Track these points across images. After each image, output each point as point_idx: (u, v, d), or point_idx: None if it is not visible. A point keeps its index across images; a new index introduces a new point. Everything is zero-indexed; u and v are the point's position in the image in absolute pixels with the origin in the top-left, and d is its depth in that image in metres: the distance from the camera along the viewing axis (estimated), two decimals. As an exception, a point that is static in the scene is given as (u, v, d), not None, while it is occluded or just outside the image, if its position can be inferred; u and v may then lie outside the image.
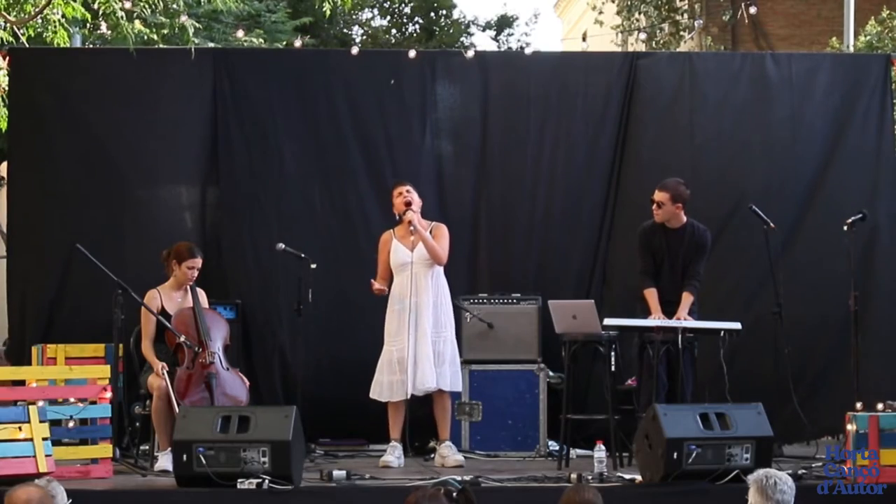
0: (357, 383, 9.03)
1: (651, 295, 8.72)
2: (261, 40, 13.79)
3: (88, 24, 10.95)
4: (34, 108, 9.65)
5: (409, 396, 8.55)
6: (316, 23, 20.51)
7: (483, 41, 27.12)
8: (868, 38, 12.91)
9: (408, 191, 8.74)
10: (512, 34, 27.13)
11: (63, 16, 10.18)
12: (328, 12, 10.60)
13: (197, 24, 11.55)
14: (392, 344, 8.62)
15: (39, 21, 10.19)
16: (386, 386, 8.59)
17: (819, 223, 9.68)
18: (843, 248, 9.05)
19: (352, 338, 9.49)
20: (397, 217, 8.80)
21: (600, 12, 19.22)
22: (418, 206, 8.73)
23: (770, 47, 17.17)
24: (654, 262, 8.80)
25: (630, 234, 9.14)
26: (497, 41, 26.86)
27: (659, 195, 8.76)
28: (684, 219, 8.83)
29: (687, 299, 8.70)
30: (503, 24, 26.95)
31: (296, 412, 7.43)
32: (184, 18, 10.71)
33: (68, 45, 10.66)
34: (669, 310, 8.66)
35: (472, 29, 26.54)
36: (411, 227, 8.63)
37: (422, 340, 8.55)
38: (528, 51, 11.29)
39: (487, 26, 26.77)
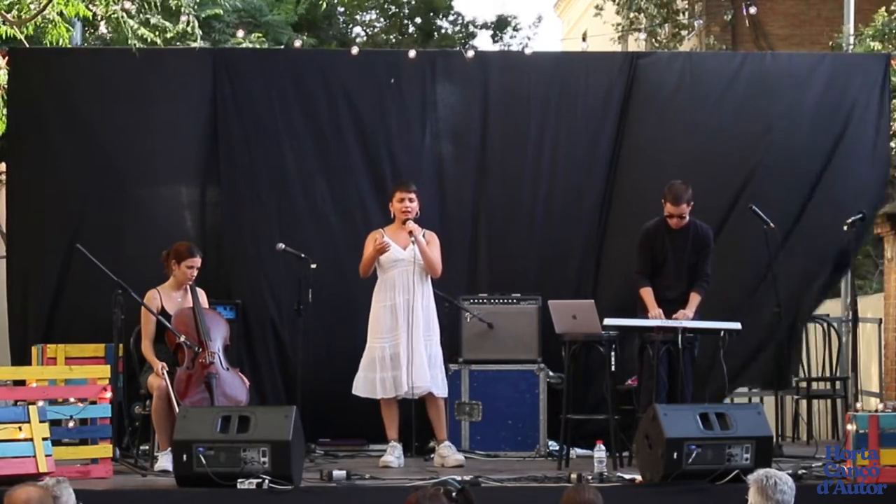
0: (358, 383, 9.03)
1: (647, 293, 8.74)
2: (258, 43, 13.76)
3: (87, 26, 10.97)
4: (34, 108, 9.65)
5: (402, 394, 8.54)
6: (316, 23, 20.46)
7: (483, 42, 27.07)
8: (878, 28, 12.77)
9: (410, 199, 8.70)
10: (514, 37, 27.06)
11: (61, 14, 10.18)
12: (324, 4, 10.59)
13: (199, 31, 11.56)
14: (383, 340, 8.59)
15: (39, 19, 10.20)
16: (378, 383, 8.57)
17: (817, 221, 9.68)
18: (844, 248, 9.06)
19: (353, 337, 9.45)
20: (392, 216, 8.79)
21: (601, 8, 19.23)
22: (415, 213, 8.72)
23: (770, 47, 17.18)
24: (651, 263, 8.81)
25: (630, 234, 9.13)
26: (496, 41, 26.80)
27: (681, 209, 8.68)
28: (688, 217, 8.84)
29: (695, 299, 8.74)
30: (501, 25, 26.88)
31: (296, 412, 7.43)
32: (184, 18, 10.71)
33: (67, 43, 10.66)
34: (672, 308, 8.67)
35: (470, 29, 26.47)
36: (412, 239, 8.61)
37: (416, 339, 8.54)
38: (527, 51, 11.28)
39: (485, 27, 26.71)
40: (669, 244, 8.80)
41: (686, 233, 8.81)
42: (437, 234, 8.85)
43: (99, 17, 10.49)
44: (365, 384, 8.62)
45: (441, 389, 8.70)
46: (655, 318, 8.56)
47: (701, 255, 8.83)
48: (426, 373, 8.54)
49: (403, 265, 8.65)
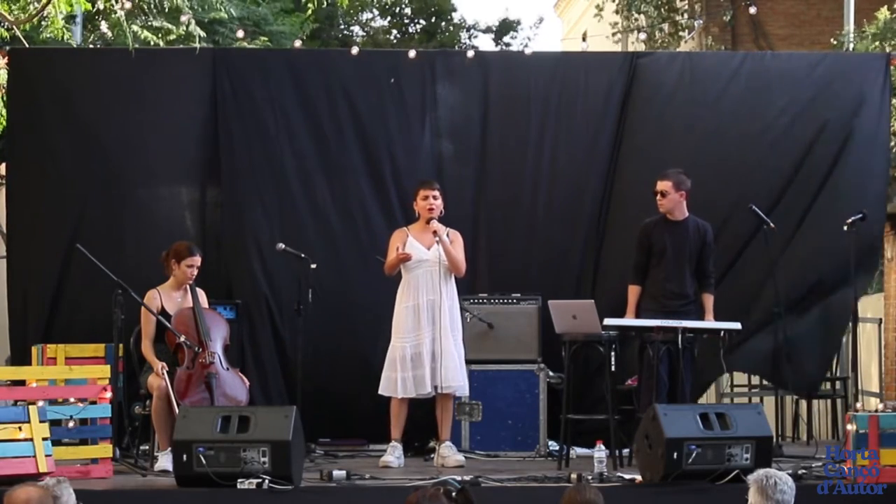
0: (358, 383, 9.04)
1: (632, 292, 8.83)
2: (261, 45, 13.78)
3: (88, 23, 10.97)
4: (34, 108, 9.65)
5: (425, 394, 8.53)
6: (317, 24, 20.45)
7: (484, 44, 27.08)
8: (879, 28, 12.74)
9: (434, 196, 8.68)
10: (515, 37, 27.08)
11: (63, 15, 10.19)
12: (312, 7, 10.62)
13: (202, 33, 11.56)
14: (405, 340, 8.55)
15: (38, 18, 10.21)
16: (399, 382, 8.53)
17: (816, 220, 9.68)
18: (844, 248, 9.06)
19: (353, 337, 9.49)
20: (417, 215, 8.76)
21: (600, 10, 19.23)
22: (440, 211, 8.70)
23: (770, 47, 17.18)
24: (647, 260, 8.84)
25: (630, 234, 9.13)
26: (499, 44, 26.79)
27: (661, 185, 8.79)
28: (686, 212, 8.85)
29: (709, 301, 8.86)
30: (504, 28, 26.88)
31: (296, 412, 7.43)
32: (185, 18, 10.70)
33: (68, 41, 10.66)
34: (675, 304, 8.70)
35: (474, 33, 26.51)
36: (436, 239, 8.59)
37: (444, 337, 8.52)
38: (527, 51, 11.27)
39: (488, 30, 26.72)
40: (668, 237, 8.82)
41: (685, 226, 8.85)
42: None
43: (98, 17, 10.49)
44: (388, 383, 8.58)
45: (465, 389, 8.73)
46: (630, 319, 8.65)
47: (703, 253, 8.86)
48: (457, 372, 8.55)
49: (428, 265, 8.62)
